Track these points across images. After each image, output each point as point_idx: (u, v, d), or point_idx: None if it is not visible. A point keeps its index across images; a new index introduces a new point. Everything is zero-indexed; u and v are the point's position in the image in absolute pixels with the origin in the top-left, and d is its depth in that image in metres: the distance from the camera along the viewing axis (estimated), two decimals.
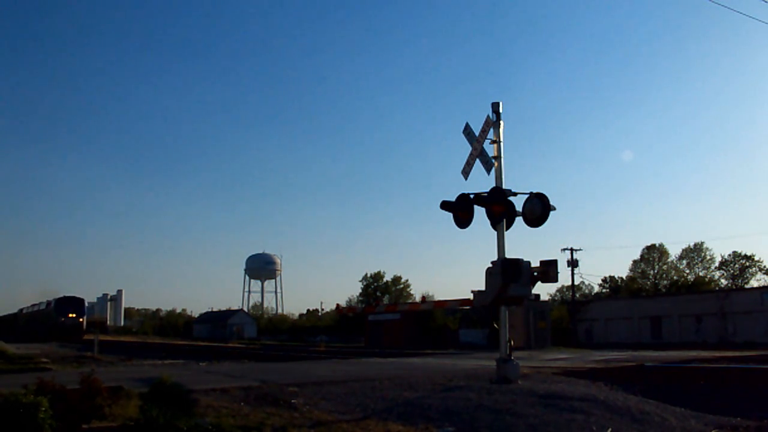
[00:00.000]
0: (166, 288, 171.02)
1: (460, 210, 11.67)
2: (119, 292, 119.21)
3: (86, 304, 62.88)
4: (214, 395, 9.14)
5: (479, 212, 11.44)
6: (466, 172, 11.92)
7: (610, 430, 7.37)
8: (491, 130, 11.63)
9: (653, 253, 77.89)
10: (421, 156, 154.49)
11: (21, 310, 76.91)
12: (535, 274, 10.83)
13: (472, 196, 11.47)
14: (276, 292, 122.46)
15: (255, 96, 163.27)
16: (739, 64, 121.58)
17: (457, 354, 26.05)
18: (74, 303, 58.94)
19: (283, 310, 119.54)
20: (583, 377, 12.46)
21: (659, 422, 7.88)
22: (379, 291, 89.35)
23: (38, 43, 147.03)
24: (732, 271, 75.95)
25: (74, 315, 56.93)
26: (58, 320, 54.95)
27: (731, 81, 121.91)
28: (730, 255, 75.94)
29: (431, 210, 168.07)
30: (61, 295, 59.96)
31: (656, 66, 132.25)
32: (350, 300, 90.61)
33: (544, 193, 11.08)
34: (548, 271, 10.80)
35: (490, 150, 11.63)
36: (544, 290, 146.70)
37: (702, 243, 77.65)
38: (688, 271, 77.72)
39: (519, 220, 11.30)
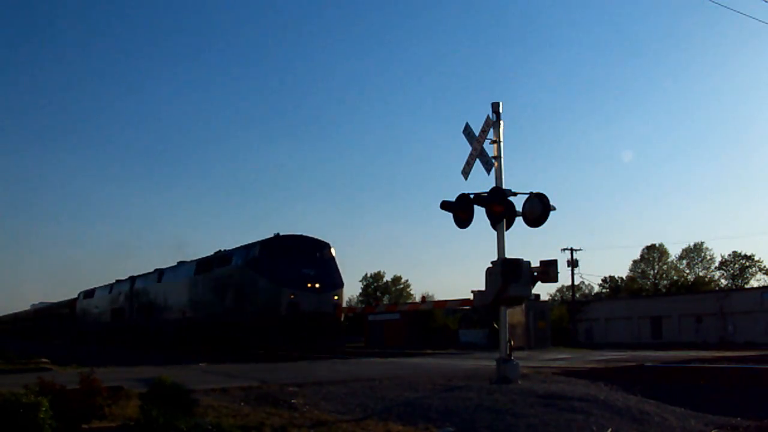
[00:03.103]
0: None
1: (460, 210, 11.67)
2: None
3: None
4: (214, 395, 9.14)
5: (479, 212, 11.45)
6: (466, 172, 11.92)
7: (610, 430, 7.37)
8: (491, 130, 11.63)
9: (653, 253, 78.13)
10: (420, 156, 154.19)
11: (86, 293, 43.49)
12: (535, 274, 10.84)
13: (472, 196, 11.47)
14: None
15: (255, 96, 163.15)
16: (739, 64, 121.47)
17: (457, 354, 26.04)
18: (304, 254, 25.08)
19: None
20: (583, 377, 12.45)
21: (659, 422, 7.89)
22: (379, 291, 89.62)
23: (38, 42, 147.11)
24: (732, 271, 76.27)
25: (318, 286, 24.22)
26: (281, 300, 23.40)
27: (731, 81, 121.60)
28: (730, 255, 76.37)
29: (431, 210, 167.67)
30: (274, 233, 25.63)
31: (656, 66, 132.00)
32: (350, 300, 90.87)
33: (544, 193, 11.11)
34: (548, 271, 10.81)
35: (490, 150, 11.63)
36: (544, 290, 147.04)
37: (702, 243, 78.04)
38: (688, 271, 77.99)
39: (519, 220, 11.30)
